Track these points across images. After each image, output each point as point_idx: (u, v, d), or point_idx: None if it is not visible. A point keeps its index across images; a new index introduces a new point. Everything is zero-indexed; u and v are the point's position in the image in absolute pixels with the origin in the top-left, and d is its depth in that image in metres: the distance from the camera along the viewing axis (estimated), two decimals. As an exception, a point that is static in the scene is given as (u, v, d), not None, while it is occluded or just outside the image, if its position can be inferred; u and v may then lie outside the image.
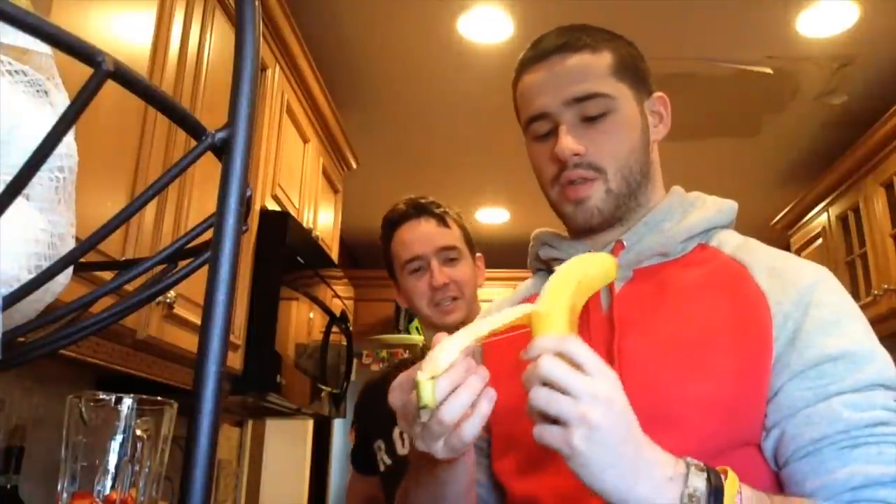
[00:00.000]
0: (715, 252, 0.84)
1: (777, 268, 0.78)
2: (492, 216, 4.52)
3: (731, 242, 0.84)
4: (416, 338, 4.18)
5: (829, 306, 0.74)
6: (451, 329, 1.36)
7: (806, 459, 0.69)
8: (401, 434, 1.36)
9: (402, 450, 1.35)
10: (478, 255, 1.46)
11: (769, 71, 2.73)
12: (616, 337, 0.79)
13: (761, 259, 0.80)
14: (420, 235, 1.39)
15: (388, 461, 1.37)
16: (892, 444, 0.67)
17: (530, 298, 0.95)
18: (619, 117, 0.83)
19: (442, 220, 1.41)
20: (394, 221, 1.43)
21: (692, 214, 0.86)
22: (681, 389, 0.74)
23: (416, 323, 4.33)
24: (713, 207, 0.87)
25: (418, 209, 1.41)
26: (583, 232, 0.89)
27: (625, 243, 0.85)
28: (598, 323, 0.82)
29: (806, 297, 0.74)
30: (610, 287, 0.83)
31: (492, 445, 0.90)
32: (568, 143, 0.82)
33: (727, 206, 0.89)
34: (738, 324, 0.75)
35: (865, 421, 0.68)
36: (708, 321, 0.77)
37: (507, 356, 0.85)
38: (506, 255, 4.80)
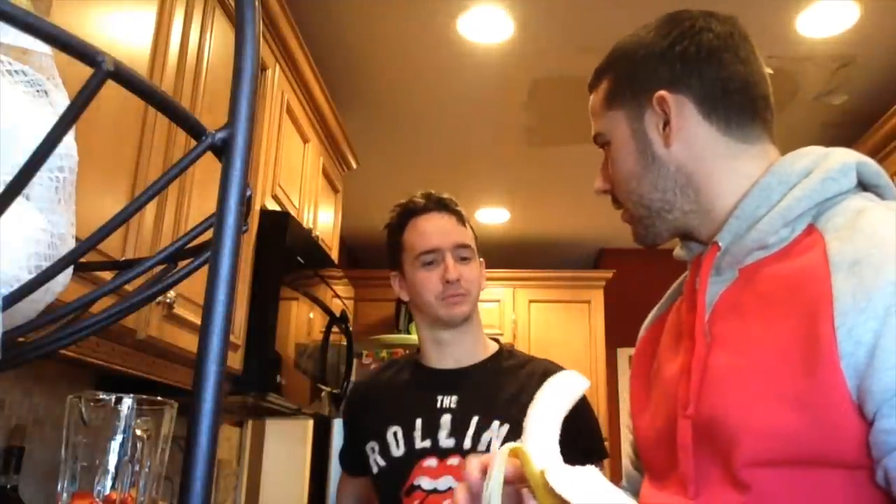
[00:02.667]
0: (817, 239, 0.70)
1: (860, 261, 0.63)
2: (492, 216, 4.52)
3: (837, 223, 0.69)
4: (416, 338, 4.18)
5: None
6: (456, 324, 1.38)
7: None
8: (395, 435, 1.36)
9: (396, 451, 1.35)
10: (480, 259, 1.47)
11: (769, 71, 2.72)
12: (697, 354, 0.74)
13: (852, 248, 0.65)
14: (439, 229, 1.39)
15: (383, 463, 1.37)
16: None
17: (680, 299, 0.91)
18: (614, 149, 0.85)
19: (461, 217, 1.43)
20: (412, 212, 1.43)
21: (793, 191, 0.73)
22: (745, 415, 0.68)
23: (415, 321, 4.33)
24: (818, 176, 0.72)
25: (439, 204, 1.42)
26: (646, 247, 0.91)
27: (720, 244, 0.77)
28: (690, 336, 0.78)
29: (885, 301, 0.60)
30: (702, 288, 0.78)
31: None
32: (595, 183, 0.89)
33: (838, 168, 0.73)
34: (805, 341, 0.64)
35: None
36: (775, 337, 0.68)
37: (641, 371, 0.91)
38: (506, 255, 4.81)
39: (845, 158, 0.74)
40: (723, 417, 0.69)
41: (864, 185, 0.75)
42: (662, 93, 0.81)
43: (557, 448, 0.62)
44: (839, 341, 0.61)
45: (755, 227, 0.74)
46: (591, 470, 0.58)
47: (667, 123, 0.81)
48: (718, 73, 0.80)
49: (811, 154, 0.77)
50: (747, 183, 0.78)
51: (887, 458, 0.60)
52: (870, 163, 0.75)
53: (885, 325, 0.60)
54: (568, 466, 0.58)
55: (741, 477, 0.67)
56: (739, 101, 0.81)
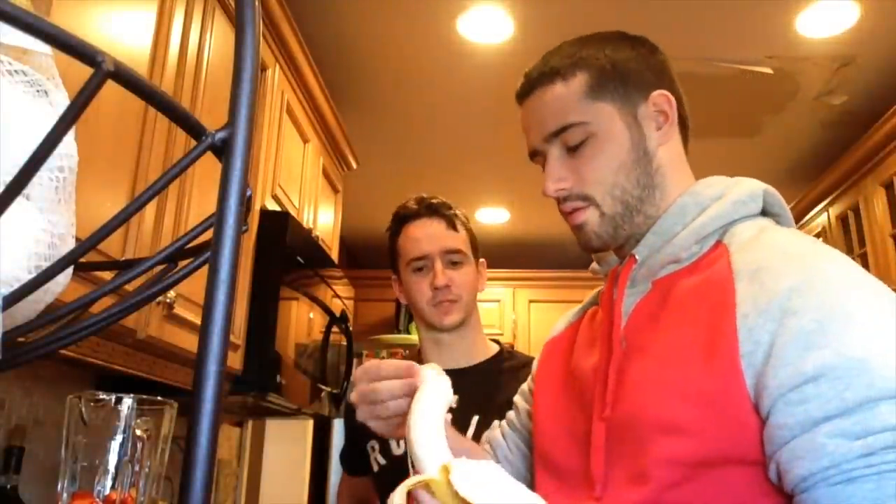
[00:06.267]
0: (723, 251, 0.76)
1: (761, 269, 0.69)
2: (492, 216, 4.52)
3: (742, 237, 0.76)
4: (416, 338, 4.18)
5: (811, 311, 0.63)
6: (448, 330, 1.38)
7: (803, 496, 0.61)
8: None
9: (397, 450, 1.35)
10: (481, 260, 1.47)
11: (769, 71, 2.73)
12: (614, 360, 0.78)
13: (753, 258, 0.71)
14: (428, 235, 1.40)
15: (383, 461, 1.37)
16: (894, 474, 0.57)
17: (593, 308, 0.95)
18: (598, 140, 0.81)
19: (451, 222, 1.42)
20: (404, 218, 1.44)
21: (706, 212, 0.79)
22: (655, 414, 0.70)
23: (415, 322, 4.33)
24: (730, 199, 0.79)
25: (430, 209, 1.42)
26: (591, 253, 0.90)
27: (637, 257, 0.81)
28: (605, 342, 0.81)
29: (782, 304, 0.65)
30: (619, 298, 0.81)
31: (532, 451, 0.93)
32: (547, 184, 0.83)
33: (748, 194, 0.80)
34: (709, 342, 0.68)
35: (857, 451, 0.58)
36: (683, 340, 0.71)
37: (551, 371, 0.93)
38: (506, 255, 4.81)
39: (754, 186, 0.81)
40: (637, 418, 0.72)
41: (764, 212, 0.82)
42: (664, 91, 0.83)
43: (448, 449, 0.62)
44: (740, 341, 0.65)
45: (671, 242, 0.79)
46: (493, 466, 0.57)
47: (664, 122, 0.84)
48: (678, 87, 0.87)
49: (722, 181, 0.83)
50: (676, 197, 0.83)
51: (779, 452, 0.62)
52: (775, 193, 0.82)
53: (782, 325, 0.64)
54: (470, 462, 0.57)
55: (647, 473, 0.69)
56: (686, 118, 0.88)
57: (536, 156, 0.87)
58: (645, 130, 0.83)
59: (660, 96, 0.83)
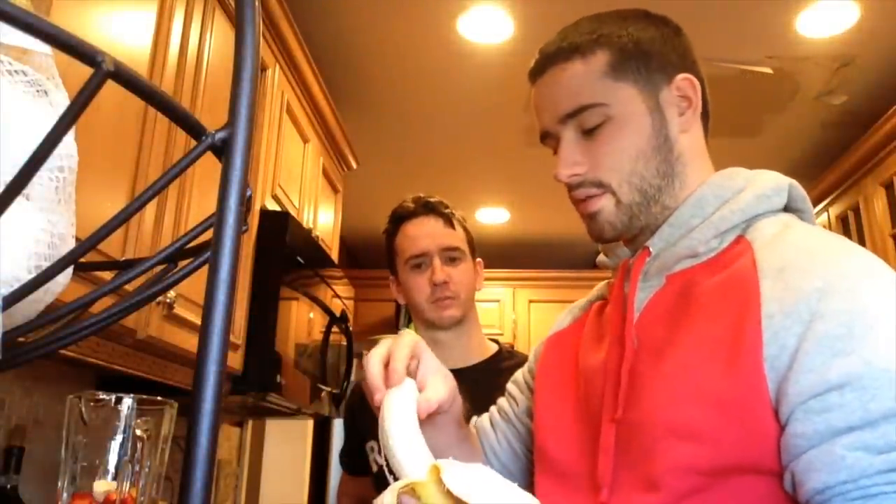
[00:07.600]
0: (746, 248, 0.71)
1: (787, 268, 0.64)
2: (492, 216, 4.52)
3: (766, 233, 0.71)
4: (416, 338, 4.16)
5: (840, 315, 0.59)
6: (447, 326, 1.38)
7: None
8: None
9: None
10: (478, 259, 1.48)
11: (769, 71, 2.73)
12: (626, 358, 0.73)
13: (779, 256, 0.66)
14: (426, 233, 1.41)
15: (382, 461, 1.38)
16: None
17: (600, 302, 0.90)
18: (617, 123, 0.76)
19: (448, 220, 1.43)
20: (401, 217, 1.45)
21: (727, 205, 0.74)
22: (670, 418, 0.66)
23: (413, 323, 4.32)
24: (753, 192, 0.74)
25: (427, 207, 1.43)
26: (602, 243, 0.85)
27: (651, 249, 0.76)
28: (616, 339, 0.76)
29: (810, 306, 0.61)
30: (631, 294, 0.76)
31: (534, 445, 0.88)
32: (560, 168, 0.78)
33: (772, 188, 0.75)
34: (732, 344, 0.64)
35: (878, 466, 0.55)
36: (704, 343, 0.67)
37: (556, 367, 0.89)
38: (506, 255, 4.81)
39: (779, 180, 0.77)
40: (650, 422, 0.68)
41: (786, 207, 0.77)
42: (688, 75, 0.78)
43: (428, 451, 0.60)
44: (765, 344, 0.61)
45: (688, 235, 0.75)
46: (482, 468, 0.56)
47: (687, 108, 0.78)
48: (702, 73, 0.81)
49: (743, 173, 0.79)
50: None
51: (795, 462, 0.59)
52: (800, 187, 0.78)
53: (809, 329, 0.60)
54: (459, 463, 0.56)
55: (659, 481, 0.65)
56: (708, 106, 0.83)
57: (547, 138, 0.82)
58: (667, 116, 0.77)
59: (684, 80, 0.78)
